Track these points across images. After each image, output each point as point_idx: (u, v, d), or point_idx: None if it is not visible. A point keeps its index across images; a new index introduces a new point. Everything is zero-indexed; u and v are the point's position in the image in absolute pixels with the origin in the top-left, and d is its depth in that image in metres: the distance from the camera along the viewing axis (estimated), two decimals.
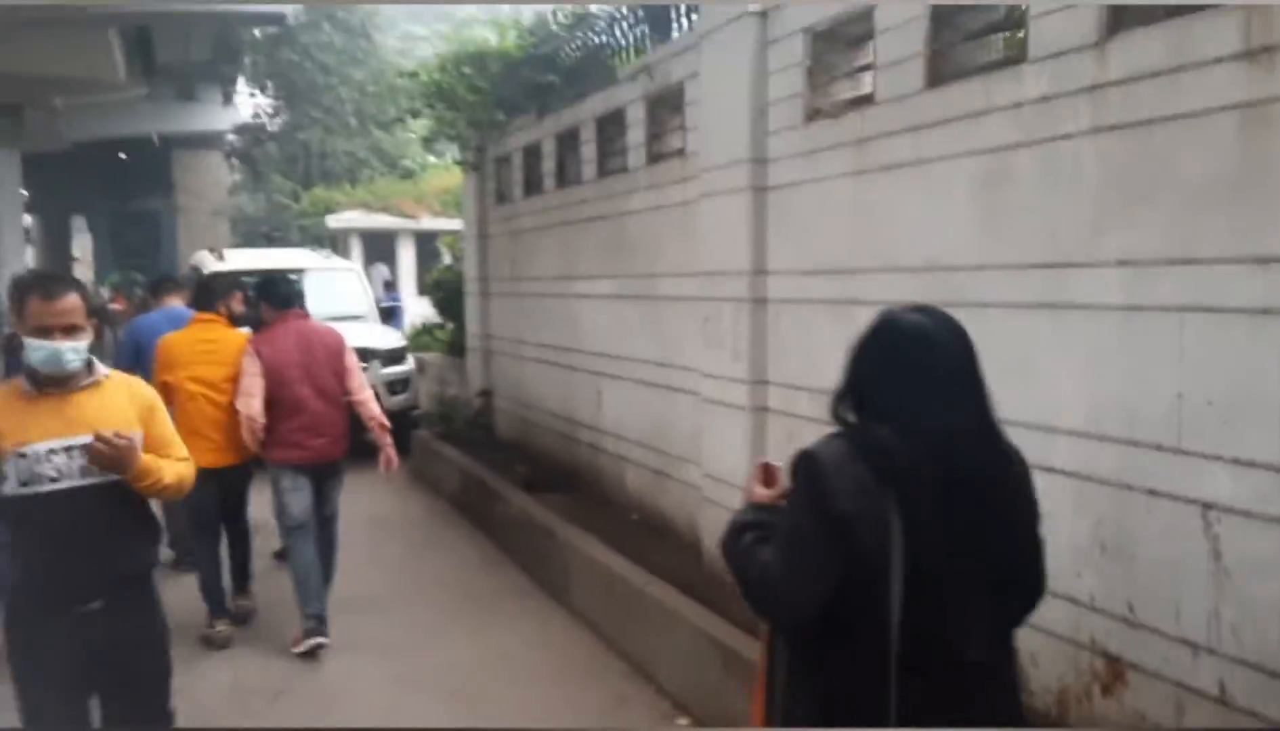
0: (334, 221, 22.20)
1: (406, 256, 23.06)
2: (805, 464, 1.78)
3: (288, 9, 25.96)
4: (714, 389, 5.42)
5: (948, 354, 1.79)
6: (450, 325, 12.36)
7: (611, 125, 7.09)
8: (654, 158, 6.46)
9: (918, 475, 1.71)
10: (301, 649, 5.15)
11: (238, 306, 6.81)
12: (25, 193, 39.02)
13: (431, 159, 29.91)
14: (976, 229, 3.75)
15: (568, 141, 7.89)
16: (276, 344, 5.20)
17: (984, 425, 1.82)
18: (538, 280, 8.55)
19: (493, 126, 9.47)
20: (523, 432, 9.01)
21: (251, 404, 5.08)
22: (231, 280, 8.81)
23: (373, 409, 5.51)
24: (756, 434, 5.11)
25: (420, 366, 11.85)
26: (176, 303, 6.67)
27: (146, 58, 35.02)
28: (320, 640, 5.16)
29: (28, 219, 42.84)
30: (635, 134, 6.63)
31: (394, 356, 10.82)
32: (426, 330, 13.22)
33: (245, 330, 5.67)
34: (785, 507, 1.86)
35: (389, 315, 12.96)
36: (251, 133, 30.60)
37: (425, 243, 22.52)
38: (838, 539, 1.71)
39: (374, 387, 10.52)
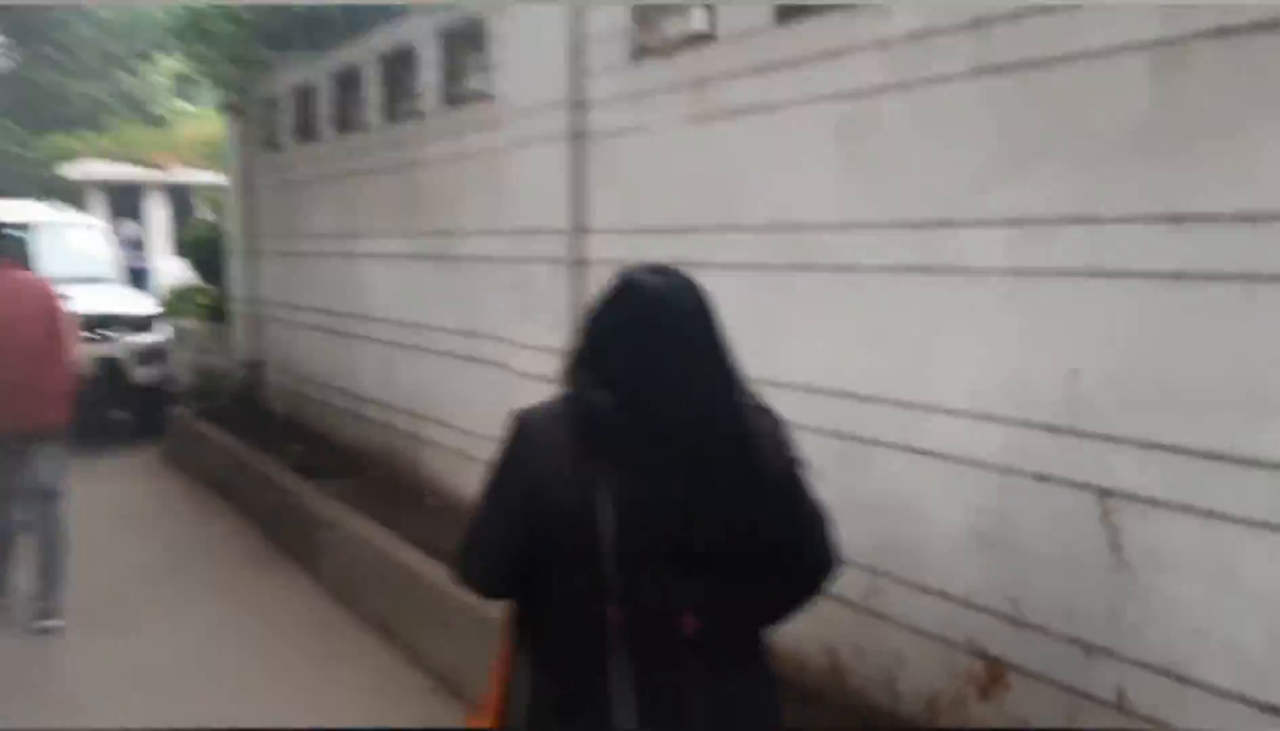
0: (73, 171, 19.81)
1: (157, 212, 20.94)
2: (511, 425, 1.73)
3: None
4: (527, 361, 4.83)
5: (670, 314, 1.70)
6: (212, 289, 11.08)
7: (400, 64, 6.30)
8: (452, 100, 5.75)
9: (626, 438, 1.63)
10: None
11: None
12: None
13: (184, 105, 27.47)
14: (837, 183, 3.34)
15: (348, 82, 7.01)
16: None
17: (715, 387, 1.70)
18: (315, 238, 7.63)
19: (258, 65, 8.39)
20: (298, 409, 8.08)
21: None
22: None
23: (70, 380, 4.95)
24: None
25: (178, 336, 10.54)
26: None
27: None
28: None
29: None
30: (429, 74, 5.88)
31: (143, 323, 9.49)
32: (183, 294, 11.82)
33: None
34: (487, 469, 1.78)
35: (138, 278, 11.50)
36: None
37: (179, 197, 20.52)
38: (527, 502, 1.65)
39: (120, 360, 9.40)
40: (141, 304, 9.75)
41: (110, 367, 9.04)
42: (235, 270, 9.30)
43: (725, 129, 3.78)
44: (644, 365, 1.66)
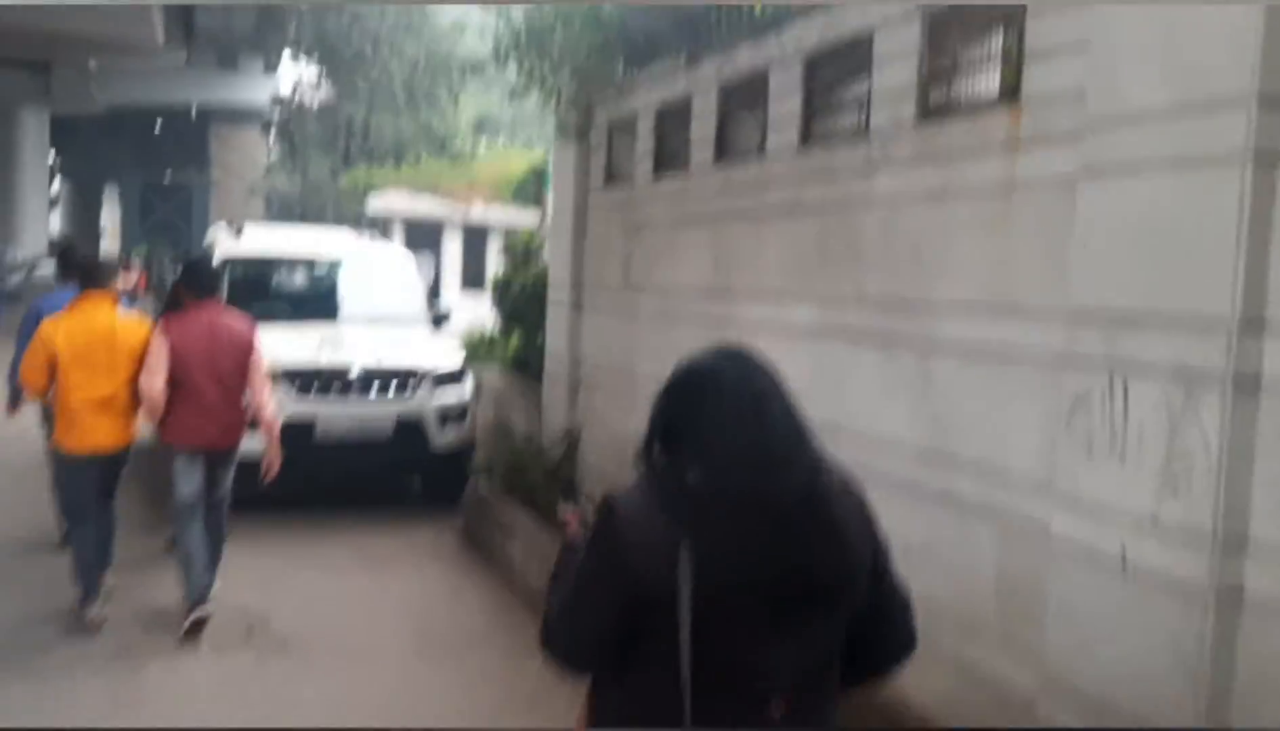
0: (375, 203, 19.83)
1: (453, 248, 20.67)
2: (601, 511, 1.77)
3: None
4: (1085, 527, 2.88)
5: (734, 385, 1.73)
6: (517, 336, 9.84)
7: (833, 64, 4.56)
8: (933, 112, 3.90)
9: (709, 508, 1.68)
10: (186, 623, 5.07)
11: (130, 280, 6.98)
12: (57, 156, 37.44)
13: (484, 143, 27.72)
14: None
15: (741, 94, 5.36)
16: (186, 328, 5.25)
17: (797, 464, 1.72)
18: (668, 293, 6.02)
19: (607, 80, 6.97)
20: None
21: (154, 382, 5.10)
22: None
23: (266, 413, 5.49)
24: (1216, 640, 2.57)
25: (476, 388, 9.33)
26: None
27: (187, 23, 33.29)
28: (205, 612, 5.12)
29: (59, 184, 41.32)
30: (893, 73, 4.08)
31: (449, 377, 8.27)
32: (483, 341, 10.70)
33: (128, 308, 5.70)
34: (581, 552, 1.82)
35: (436, 318, 10.44)
36: (291, 106, 28.35)
37: (473, 235, 20.15)
38: (619, 584, 1.70)
39: (422, 419, 8.22)
40: (447, 354, 8.53)
41: (409, 428, 7.84)
42: (555, 321, 7.90)
43: None
44: (726, 443, 1.68)
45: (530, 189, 19.87)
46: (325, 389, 7.65)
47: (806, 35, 4.67)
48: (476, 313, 13.06)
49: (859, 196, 4.23)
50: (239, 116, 39.28)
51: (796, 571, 1.67)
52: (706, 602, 1.62)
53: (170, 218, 41.22)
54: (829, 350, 4.39)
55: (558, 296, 7.83)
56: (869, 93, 4.22)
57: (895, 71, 4.04)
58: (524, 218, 19.86)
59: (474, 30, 29.91)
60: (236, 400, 5.42)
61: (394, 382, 7.84)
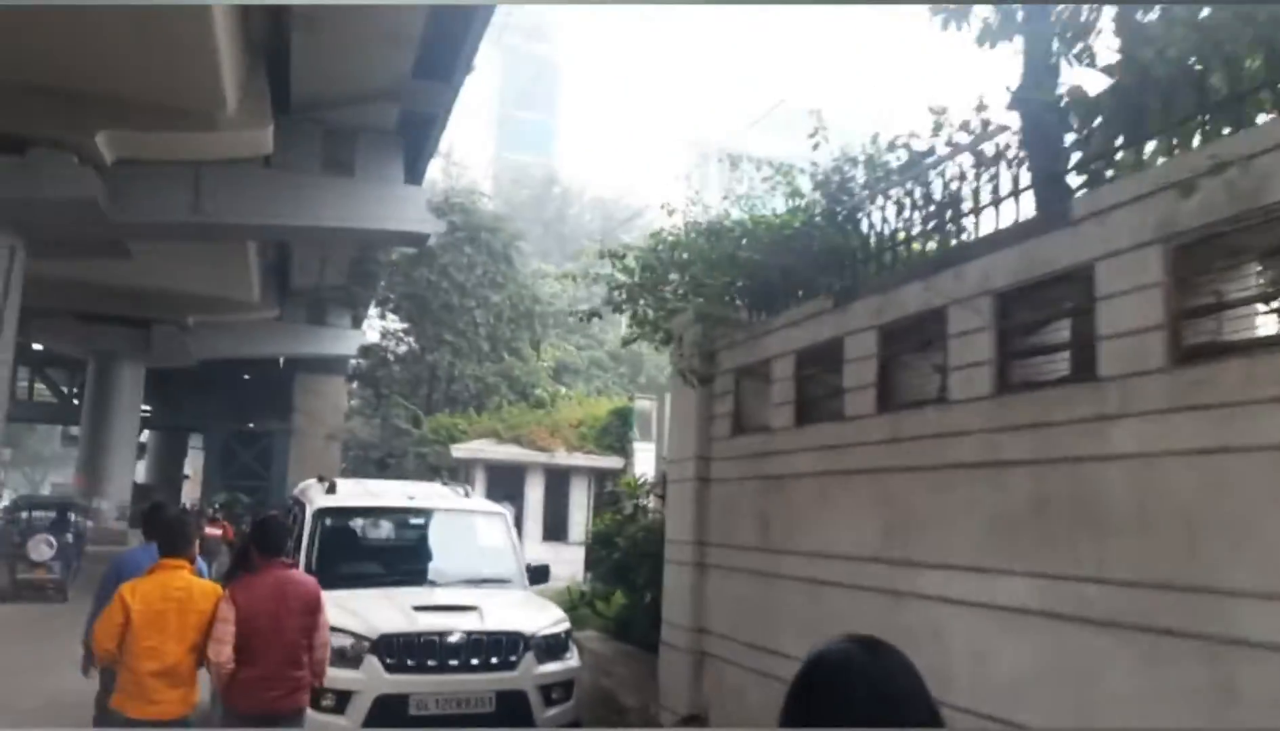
0: (459, 450, 19.59)
1: (534, 495, 20.15)
2: None
3: (430, 229, 24.83)
4: None
5: (867, 685, 1.52)
6: (620, 595, 9.04)
7: (1034, 299, 4.00)
8: (1196, 354, 3.26)
9: None
10: None
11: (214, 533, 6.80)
12: (148, 408, 38.63)
13: (563, 390, 27.82)
14: None
15: (907, 336, 4.82)
16: (253, 592, 5.19)
17: None
18: (824, 558, 5.27)
19: (731, 323, 6.55)
20: None
21: (222, 651, 5.04)
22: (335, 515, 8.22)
23: (319, 669, 5.41)
24: None
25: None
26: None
27: (282, 280, 34.86)
28: None
29: (146, 434, 42.43)
30: (1126, 308, 3.48)
31: (553, 645, 7.45)
32: (581, 598, 9.89)
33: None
34: None
35: (534, 574, 9.68)
36: (376, 354, 28.99)
37: (555, 480, 19.70)
38: None
39: (525, 694, 7.36)
40: (551, 618, 7.74)
41: (512, 703, 6.98)
42: (674, 584, 7.14)
43: None
44: None
45: (614, 434, 19.56)
46: (422, 658, 6.89)
47: (997, 269, 4.15)
48: (561, 565, 12.33)
49: (1091, 451, 3.54)
50: (323, 367, 40.47)
51: None
52: None
53: (250, 465, 41.77)
54: (1065, 635, 3.58)
55: (677, 555, 7.10)
56: (1092, 326, 3.61)
57: (1129, 307, 3.44)
58: (607, 463, 19.50)
59: (553, 280, 30.90)
60: (300, 662, 5.32)
61: (496, 652, 7.05)
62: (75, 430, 40.52)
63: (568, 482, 19.68)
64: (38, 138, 18.32)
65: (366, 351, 29.71)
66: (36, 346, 34.98)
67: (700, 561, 6.76)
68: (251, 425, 42.07)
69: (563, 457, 19.51)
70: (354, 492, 9.35)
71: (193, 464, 45.93)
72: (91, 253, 22.51)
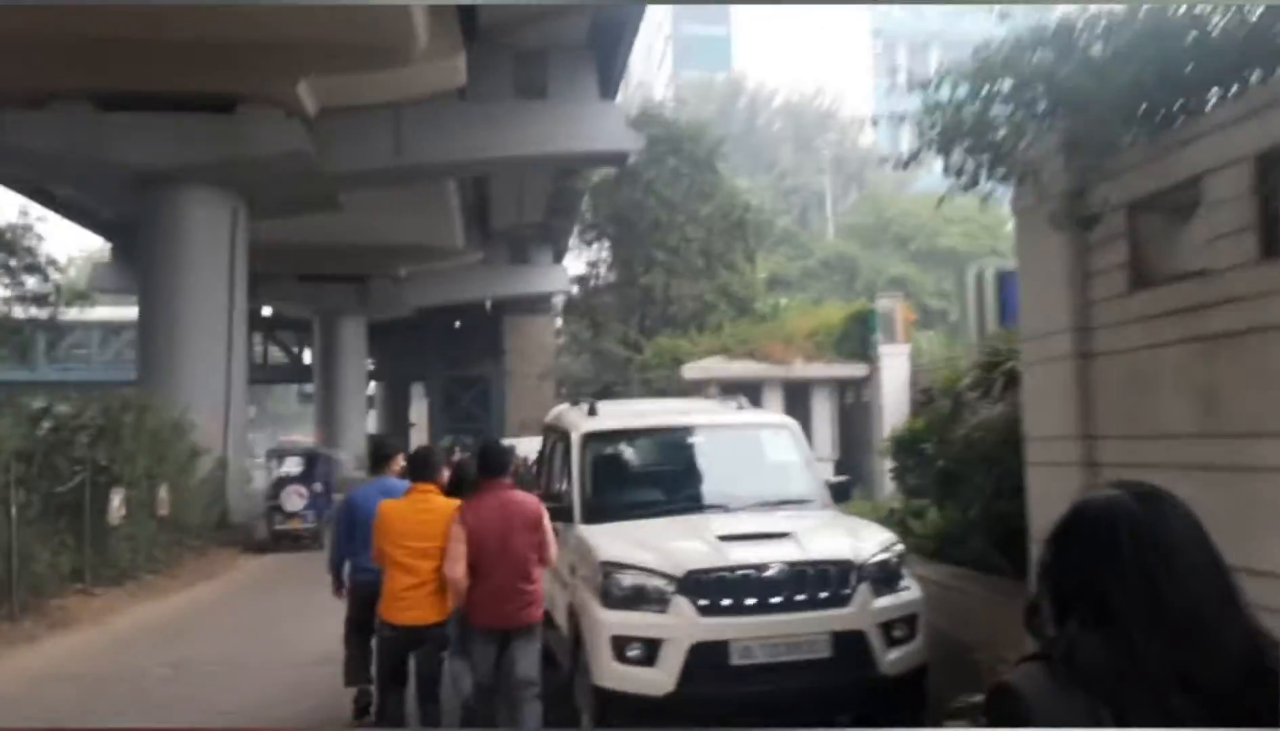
0: (690, 370, 18.53)
1: (774, 410, 18.89)
2: (1001, 704, 1.42)
3: (630, 145, 23.71)
4: None
5: (1142, 531, 1.42)
6: (944, 510, 7.63)
7: None
8: None
9: (1123, 690, 1.35)
10: None
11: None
12: (370, 362, 40.06)
13: (783, 300, 26.33)
14: None
15: None
16: (480, 512, 5.41)
17: (1214, 619, 1.38)
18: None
19: (1113, 147, 4.92)
20: None
21: (456, 567, 5.30)
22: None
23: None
24: None
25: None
26: (390, 474, 6.82)
27: (483, 223, 34.86)
28: None
29: (373, 386, 44.16)
30: None
31: (888, 574, 6.14)
32: (891, 514, 8.56)
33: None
34: None
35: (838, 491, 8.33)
36: (588, 284, 28.33)
37: (795, 393, 18.35)
38: None
39: (863, 633, 6.11)
40: (879, 541, 6.42)
41: (846, 646, 5.75)
42: (1044, 490, 5.67)
43: None
44: (1132, 605, 1.39)
45: (855, 340, 18.00)
46: (739, 596, 5.76)
47: None
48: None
49: None
50: (529, 307, 40.78)
51: None
52: None
53: (470, 409, 42.72)
54: None
55: (1048, 455, 5.61)
56: None
57: None
58: (851, 371, 18.03)
59: (757, 190, 29.27)
60: (530, 576, 5.54)
61: (823, 585, 5.83)
62: (308, 387, 42.66)
63: (809, 395, 18.29)
64: (244, 94, 18.29)
65: (580, 281, 29.07)
66: (266, 312, 36.54)
67: (1089, 459, 5.25)
68: (467, 371, 42.95)
69: (800, 369, 18.12)
70: (619, 414, 8.31)
71: (417, 411, 47.50)
72: (305, 208, 22.66)
